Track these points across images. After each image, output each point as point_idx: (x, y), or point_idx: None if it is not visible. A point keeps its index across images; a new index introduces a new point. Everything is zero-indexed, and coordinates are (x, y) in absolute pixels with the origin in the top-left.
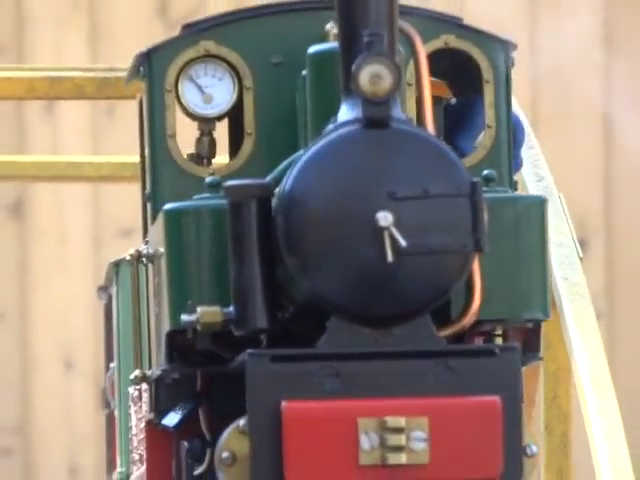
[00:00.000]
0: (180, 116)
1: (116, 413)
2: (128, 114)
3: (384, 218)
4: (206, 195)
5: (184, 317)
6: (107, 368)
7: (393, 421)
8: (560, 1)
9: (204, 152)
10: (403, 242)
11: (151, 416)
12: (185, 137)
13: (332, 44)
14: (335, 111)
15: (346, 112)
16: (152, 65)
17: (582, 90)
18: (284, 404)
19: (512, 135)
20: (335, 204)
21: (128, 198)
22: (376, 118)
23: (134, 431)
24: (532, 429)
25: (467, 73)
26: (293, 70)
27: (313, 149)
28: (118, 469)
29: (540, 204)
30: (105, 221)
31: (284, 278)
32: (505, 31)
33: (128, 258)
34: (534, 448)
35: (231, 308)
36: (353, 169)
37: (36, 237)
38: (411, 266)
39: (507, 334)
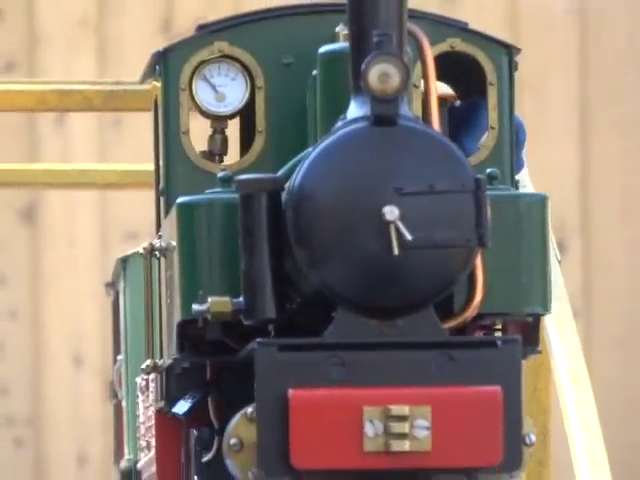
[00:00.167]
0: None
1: (124, 403)
2: (133, 126)
3: (391, 212)
4: (218, 190)
5: (195, 307)
6: (115, 361)
7: (397, 409)
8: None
9: (216, 149)
10: (409, 236)
11: (161, 404)
12: (196, 135)
13: (342, 44)
14: (344, 109)
15: (355, 110)
16: (167, 64)
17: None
18: (291, 392)
19: (514, 136)
20: (343, 198)
21: (133, 203)
22: (384, 115)
23: (141, 419)
24: None
25: (471, 76)
26: (303, 70)
27: (322, 145)
28: (126, 456)
29: (541, 202)
30: (112, 225)
31: (292, 270)
32: None
33: (141, 252)
34: (533, 437)
35: (241, 298)
36: (361, 165)
37: (47, 240)
38: (416, 259)
39: (506, 328)
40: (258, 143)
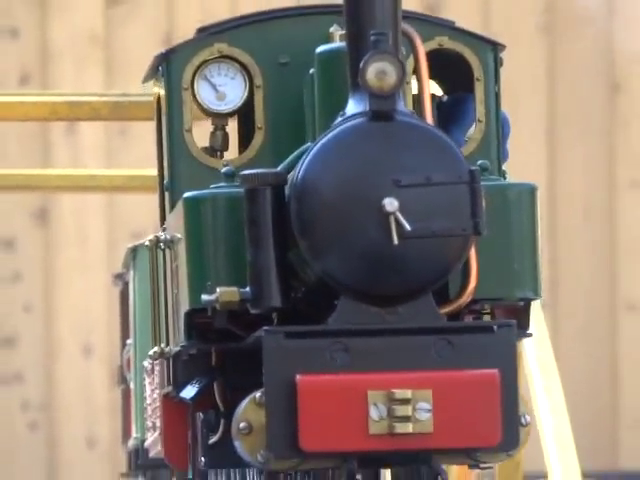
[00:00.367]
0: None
1: (132, 385)
2: (138, 134)
3: (390, 204)
4: (222, 184)
5: (204, 297)
6: (123, 345)
7: (400, 393)
8: None
9: (217, 145)
10: (408, 226)
11: (169, 389)
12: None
13: (339, 44)
14: (342, 106)
15: (353, 106)
16: (170, 65)
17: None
18: (298, 377)
19: (500, 129)
20: (344, 191)
21: (138, 205)
22: (382, 111)
23: (148, 401)
24: None
25: (457, 72)
26: (299, 69)
27: (323, 140)
28: (134, 435)
29: (531, 191)
30: (118, 225)
31: (296, 261)
32: None
33: (147, 244)
34: (528, 418)
35: (247, 288)
36: (361, 158)
37: (59, 239)
38: (415, 248)
39: (494, 312)
40: (257, 139)
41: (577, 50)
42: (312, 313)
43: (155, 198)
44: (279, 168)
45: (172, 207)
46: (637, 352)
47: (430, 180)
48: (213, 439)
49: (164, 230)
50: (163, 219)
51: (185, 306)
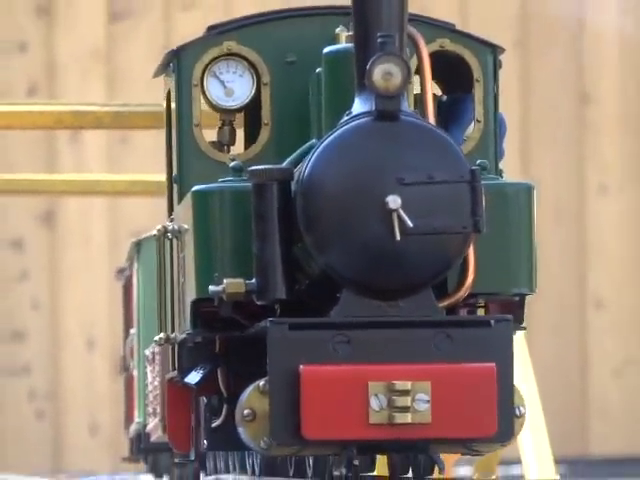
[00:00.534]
0: None
1: (134, 373)
2: (139, 142)
3: (393, 201)
4: (229, 178)
5: (212, 288)
6: (126, 335)
7: (400, 384)
8: None
9: (225, 140)
10: (410, 223)
11: (173, 374)
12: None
13: (345, 45)
14: (348, 105)
15: (360, 106)
16: (180, 62)
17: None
18: (302, 367)
19: (498, 129)
20: (349, 188)
21: (139, 209)
22: (387, 111)
23: (149, 388)
24: None
25: (457, 73)
26: (305, 68)
27: (330, 138)
28: (136, 419)
29: (527, 190)
30: (120, 227)
31: (301, 254)
32: None
33: (155, 233)
34: (522, 409)
35: (253, 280)
36: (365, 157)
37: (64, 240)
38: (417, 244)
39: (488, 307)
40: (264, 134)
41: (549, 63)
42: (315, 305)
43: (155, 202)
44: (284, 164)
45: (180, 199)
46: (604, 345)
47: (432, 179)
48: (215, 423)
49: (172, 220)
50: (171, 210)
51: (191, 295)
